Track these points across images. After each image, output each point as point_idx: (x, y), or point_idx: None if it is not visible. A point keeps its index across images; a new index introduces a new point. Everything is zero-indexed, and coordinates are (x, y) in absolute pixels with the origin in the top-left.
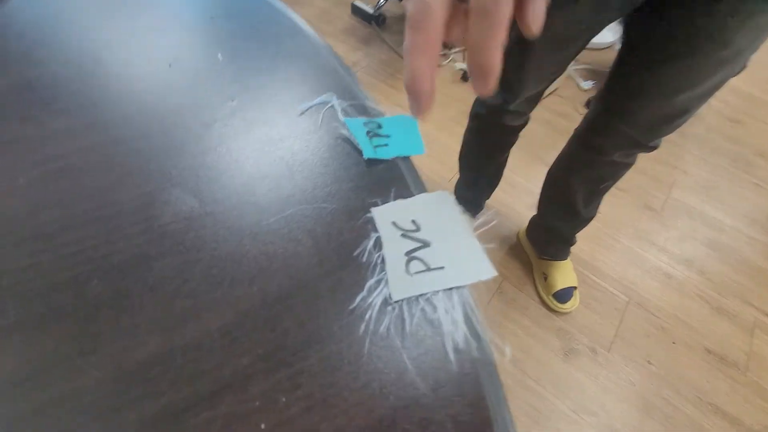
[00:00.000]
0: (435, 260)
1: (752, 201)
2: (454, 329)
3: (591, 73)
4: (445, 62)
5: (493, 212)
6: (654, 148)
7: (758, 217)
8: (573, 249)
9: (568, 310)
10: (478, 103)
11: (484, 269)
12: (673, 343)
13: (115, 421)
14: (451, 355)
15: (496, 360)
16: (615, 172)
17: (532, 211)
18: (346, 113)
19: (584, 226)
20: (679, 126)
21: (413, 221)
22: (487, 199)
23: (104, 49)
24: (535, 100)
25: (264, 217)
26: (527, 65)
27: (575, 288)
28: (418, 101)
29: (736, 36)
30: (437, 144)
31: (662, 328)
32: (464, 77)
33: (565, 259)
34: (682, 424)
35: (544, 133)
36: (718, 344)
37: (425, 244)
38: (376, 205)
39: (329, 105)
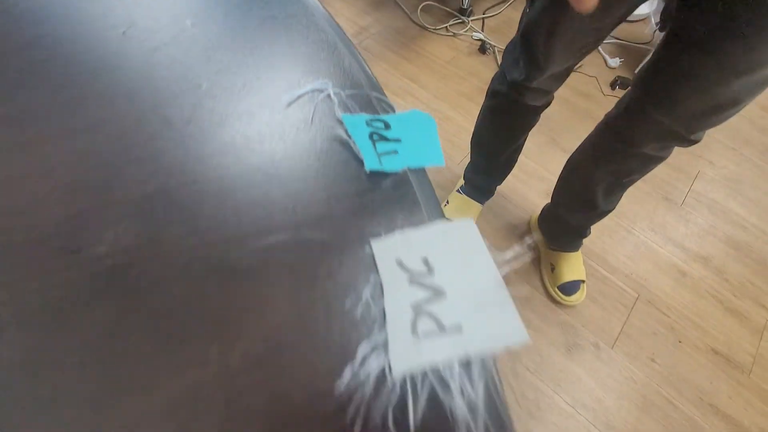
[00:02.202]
0: (450, 316)
1: None
2: (471, 419)
3: (620, 49)
4: (462, 31)
5: (526, 246)
6: (695, 142)
7: None
8: (584, 240)
9: (572, 303)
10: (498, 79)
11: (516, 332)
12: (680, 342)
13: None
14: None
15: None
16: (644, 165)
17: (546, 199)
18: (345, 106)
19: (601, 219)
20: (728, 118)
21: (425, 260)
22: (499, 185)
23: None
24: (562, 77)
25: (231, 249)
26: (557, 34)
27: (583, 282)
28: None
29: None
30: (448, 122)
31: (671, 327)
32: (482, 48)
33: (575, 251)
34: (680, 423)
35: (562, 115)
36: (725, 345)
37: (439, 294)
38: (378, 235)
39: (324, 94)
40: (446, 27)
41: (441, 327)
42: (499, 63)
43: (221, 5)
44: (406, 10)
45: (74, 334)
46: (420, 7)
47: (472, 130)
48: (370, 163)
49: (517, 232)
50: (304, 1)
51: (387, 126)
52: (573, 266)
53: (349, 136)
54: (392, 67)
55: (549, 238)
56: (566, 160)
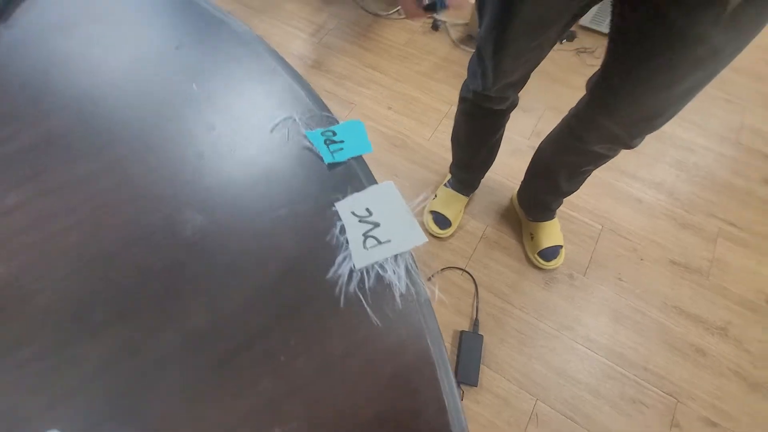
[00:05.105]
0: (384, 236)
1: (722, 117)
2: (398, 282)
3: None
4: None
5: (426, 192)
6: (634, 146)
7: (727, 133)
8: None
9: (551, 268)
10: (464, 86)
11: (418, 238)
12: (642, 260)
13: (191, 366)
14: (398, 299)
15: (428, 297)
16: (596, 160)
17: (512, 158)
18: (307, 125)
19: (566, 197)
20: (659, 126)
21: (367, 209)
22: (482, 178)
23: (96, 91)
24: (519, 84)
25: (257, 221)
26: (502, 52)
27: (561, 246)
28: None
29: (710, 33)
30: (415, 103)
31: (633, 249)
32: (434, 26)
33: (550, 219)
34: (649, 327)
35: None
36: (682, 255)
37: (376, 225)
38: (338, 200)
39: (292, 119)
40: (397, 11)
41: (379, 242)
42: (453, 38)
43: (216, 65)
44: (357, 1)
45: (187, 276)
46: None
47: (438, 107)
48: (327, 158)
49: (488, 190)
50: (272, 61)
51: (334, 133)
52: (550, 233)
53: (312, 144)
54: (354, 59)
55: (525, 210)
56: (519, 114)
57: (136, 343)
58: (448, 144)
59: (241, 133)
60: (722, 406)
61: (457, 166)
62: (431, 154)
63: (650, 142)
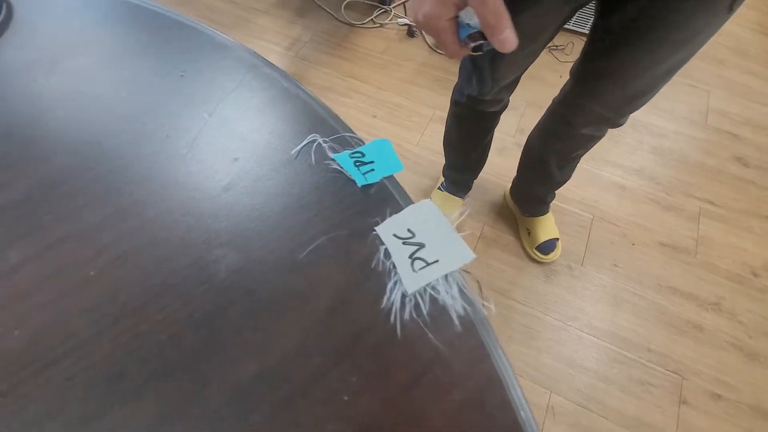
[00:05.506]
0: (431, 256)
1: (689, 102)
2: (453, 302)
3: None
4: (387, 20)
5: (466, 203)
6: (621, 124)
7: (695, 117)
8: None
9: (550, 260)
10: (457, 91)
11: (466, 254)
12: (633, 244)
13: (243, 422)
14: (456, 320)
15: (485, 314)
16: (586, 143)
17: (499, 156)
18: (332, 148)
19: (559, 187)
20: (643, 104)
21: (408, 230)
22: (475, 179)
23: (96, 130)
24: (512, 86)
25: (296, 254)
26: (499, 59)
27: (557, 239)
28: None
29: (690, 19)
30: (399, 109)
31: (623, 234)
32: (410, 32)
33: (545, 214)
34: (647, 309)
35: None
36: (669, 237)
37: (421, 246)
38: (377, 223)
39: (316, 143)
40: (372, 19)
41: (427, 263)
42: (430, 43)
43: (225, 91)
44: (331, 11)
45: (227, 323)
46: (343, 5)
47: (422, 111)
48: (360, 181)
49: (481, 189)
50: (287, 89)
51: (363, 155)
52: (546, 227)
53: (341, 167)
54: (333, 70)
55: (520, 206)
56: (507, 119)
57: (178, 404)
58: (437, 148)
59: (266, 161)
60: (724, 378)
61: (450, 169)
62: (421, 159)
63: (627, 131)
